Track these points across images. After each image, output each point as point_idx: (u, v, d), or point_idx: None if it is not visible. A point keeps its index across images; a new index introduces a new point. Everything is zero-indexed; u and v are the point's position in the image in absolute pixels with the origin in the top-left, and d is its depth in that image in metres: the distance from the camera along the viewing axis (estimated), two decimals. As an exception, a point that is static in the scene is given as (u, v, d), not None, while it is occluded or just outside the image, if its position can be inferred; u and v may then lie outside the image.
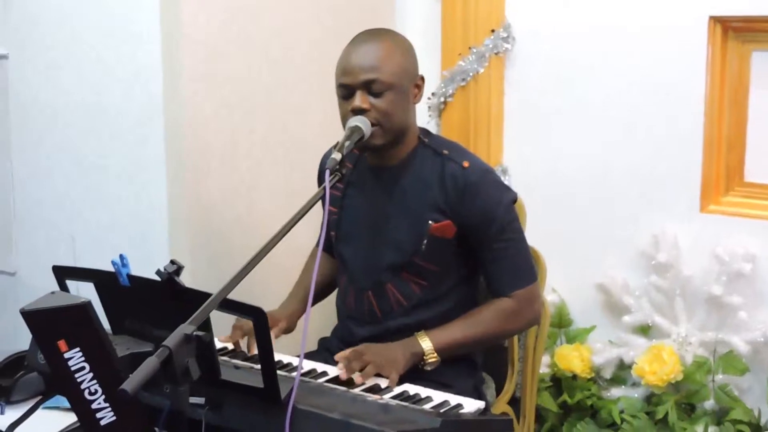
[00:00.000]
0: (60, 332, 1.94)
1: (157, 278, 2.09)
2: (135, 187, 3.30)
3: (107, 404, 1.98)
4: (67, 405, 2.19)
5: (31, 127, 3.60)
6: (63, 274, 2.33)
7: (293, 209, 2.26)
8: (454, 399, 2.31)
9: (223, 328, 2.64)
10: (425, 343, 2.54)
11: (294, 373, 2.12)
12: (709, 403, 3.41)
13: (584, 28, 3.59)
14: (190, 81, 3.11)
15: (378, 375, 2.42)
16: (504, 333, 2.75)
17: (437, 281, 2.68)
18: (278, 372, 2.08)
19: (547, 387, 3.66)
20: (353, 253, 2.75)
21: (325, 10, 3.56)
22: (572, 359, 3.61)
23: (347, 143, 2.45)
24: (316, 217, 2.56)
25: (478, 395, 2.72)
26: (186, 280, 2.13)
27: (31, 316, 1.95)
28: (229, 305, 2.03)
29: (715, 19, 3.34)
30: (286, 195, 3.35)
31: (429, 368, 2.54)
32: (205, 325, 1.96)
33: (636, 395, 3.54)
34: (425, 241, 2.62)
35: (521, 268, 2.65)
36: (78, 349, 1.94)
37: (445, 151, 2.64)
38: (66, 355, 1.95)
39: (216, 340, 2.55)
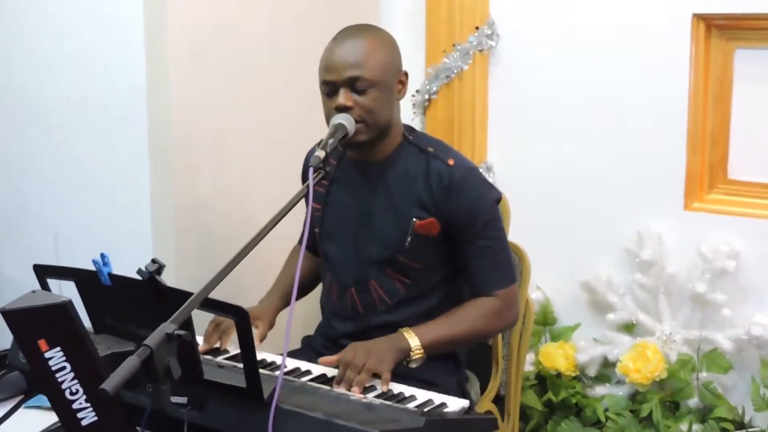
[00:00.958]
0: (40, 331, 1.92)
1: (139, 277, 2.08)
2: (119, 183, 3.28)
3: (88, 404, 1.96)
4: (49, 404, 2.17)
5: (13, 122, 3.59)
6: (44, 272, 2.31)
7: (281, 205, 2.25)
8: (438, 398, 2.30)
9: (204, 327, 2.63)
10: (412, 339, 2.53)
11: (277, 372, 2.11)
12: (694, 401, 3.42)
13: (568, 25, 3.60)
14: (175, 75, 3.09)
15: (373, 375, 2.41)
16: (487, 332, 2.75)
17: (421, 278, 2.67)
18: (261, 371, 2.07)
19: (531, 385, 3.66)
20: (337, 249, 2.75)
21: (311, 5, 3.55)
22: (557, 357, 3.61)
23: (331, 141, 2.43)
24: (303, 212, 2.54)
25: (462, 393, 2.72)
26: (170, 277, 2.13)
27: (10, 315, 1.93)
28: (210, 304, 2.02)
29: (699, 17, 3.35)
30: (275, 190, 3.31)
31: (414, 365, 2.52)
32: (187, 324, 1.95)
33: (620, 393, 3.55)
34: (409, 238, 2.61)
35: (504, 267, 2.65)
36: (58, 348, 1.92)
37: (430, 149, 2.63)
38: (46, 355, 1.93)
39: (200, 337, 2.55)
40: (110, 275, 2.18)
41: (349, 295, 2.72)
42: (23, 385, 2.65)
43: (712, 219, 3.43)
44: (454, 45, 3.75)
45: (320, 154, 2.38)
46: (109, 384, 1.65)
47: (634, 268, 3.54)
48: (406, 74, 2.66)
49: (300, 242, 3.01)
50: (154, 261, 2.08)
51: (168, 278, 2.13)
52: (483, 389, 2.99)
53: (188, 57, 3.12)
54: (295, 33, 3.49)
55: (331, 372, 2.43)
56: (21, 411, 2.54)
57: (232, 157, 3.31)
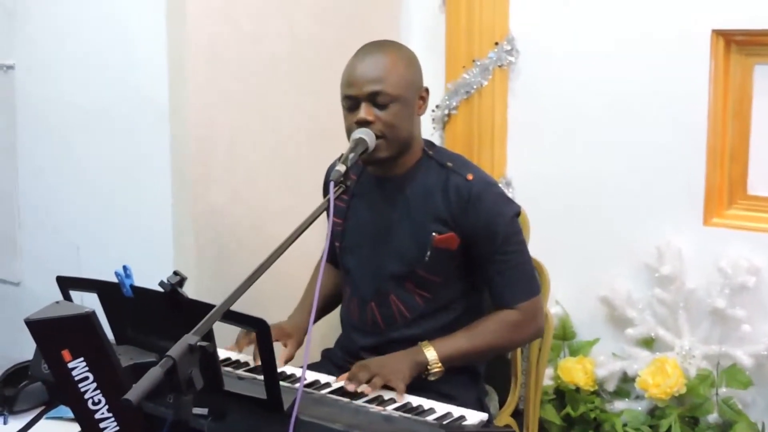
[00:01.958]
0: (63, 342, 1.94)
1: (161, 289, 2.10)
2: (140, 195, 3.31)
3: (110, 414, 1.98)
4: (71, 415, 2.19)
5: (36, 136, 3.62)
6: (67, 284, 2.34)
7: (301, 218, 2.26)
8: (457, 411, 2.30)
9: (225, 339, 2.65)
10: (430, 352, 2.54)
11: (297, 385, 2.12)
12: (713, 417, 3.40)
13: (588, 41, 3.60)
14: (195, 90, 3.12)
15: (384, 386, 2.42)
16: (508, 345, 2.75)
17: (440, 292, 2.68)
18: (281, 383, 2.09)
19: (550, 399, 3.66)
20: (357, 263, 2.76)
21: (330, 22, 3.57)
22: (576, 372, 3.61)
23: (351, 155, 2.45)
24: (324, 226, 2.56)
25: (481, 407, 2.72)
26: (191, 289, 2.14)
27: (34, 326, 1.95)
28: (232, 316, 2.04)
29: (718, 33, 3.35)
30: (293, 203, 3.35)
31: (432, 378, 2.54)
32: (208, 336, 1.97)
33: (639, 408, 3.54)
34: (429, 253, 2.62)
35: (525, 280, 2.65)
36: (81, 358, 1.94)
37: (449, 164, 2.64)
38: (69, 365, 1.95)
39: (222, 349, 2.56)
40: (132, 287, 2.20)
41: (370, 309, 2.73)
42: (45, 396, 2.67)
43: (732, 234, 3.42)
44: (473, 60, 3.76)
45: (341, 168, 2.39)
46: (133, 394, 1.66)
47: (653, 283, 3.53)
48: (426, 90, 2.67)
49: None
50: (176, 273, 2.10)
51: (188, 290, 2.14)
52: (502, 403, 2.99)
53: (208, 74, 3.15)
54: (313, 49, 3.51)
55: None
56: (42, 422, 2.56)
57: (251, 170, 3.33)
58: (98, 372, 1.95)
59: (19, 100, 3.65)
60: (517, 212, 2.66)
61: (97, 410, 1.98)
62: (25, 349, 2.34)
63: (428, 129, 3.83)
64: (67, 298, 2.33)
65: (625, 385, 3.61)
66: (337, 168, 2.39)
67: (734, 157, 3.43)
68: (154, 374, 1.71)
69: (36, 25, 3.55)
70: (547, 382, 3.62)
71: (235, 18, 3.22)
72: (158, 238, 3.24)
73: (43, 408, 2.64)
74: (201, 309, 1.97)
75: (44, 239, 3.65)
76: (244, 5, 3.25)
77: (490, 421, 2.39)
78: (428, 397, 2.40)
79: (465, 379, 2.72)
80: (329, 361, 2.82)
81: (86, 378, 1.96)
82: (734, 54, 3.38)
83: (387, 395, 2.38)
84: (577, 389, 3.62)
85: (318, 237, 2.57)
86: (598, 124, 3.62)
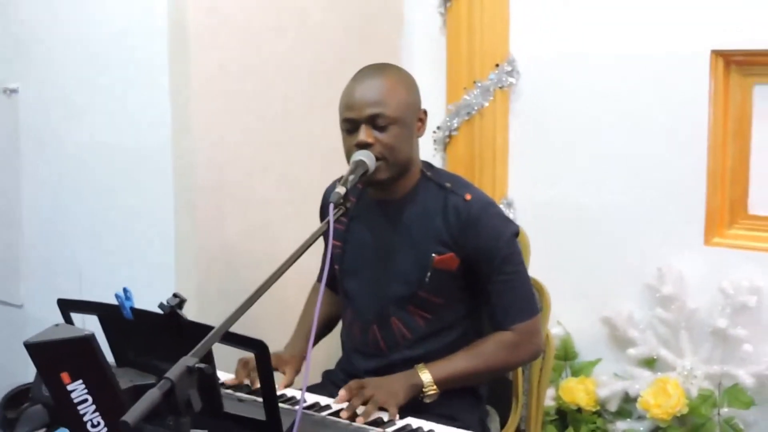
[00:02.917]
0: (63, 364, 1.94)
1: (160, 311, 2.10)
2: (143, 222, 3.31)
3: (110, 436, 1.99)
4: (71, 438, 2.19)
5: (40, 161, 3.63)
6: (67, 306, 2.35)
7: (303, 239, 2.26)
8: (457, 432, 2.31)
9: (225, 361, 2.65)
10: (425, 375, 2.54)
11: (297, 407, 2.12)
12: (715, 437, 3.40)
13: (588, 62, 3.62)
14: (199, 121, 3.13)
15: (380, 408, 2.43)
16: (505, 366, 2.75)
17: (442, 314, 2.68)
18: (281, 405, 2.09)
19: (552, 420, 3.66)
20: (358, 286, 2.76)
21: (330, 47, 3.59)
22: (577, 392, 3.61)
23: (351, 177, 2.45)
24: (321, 249, 2.56)
25: (483, 428, 2.72)
26: (192, 311, 2.15)
27: (34, 349, 1.96)
28: (231, 338, 2.04)
29: (717, 53, 3.36)
30: (297, 232, 3.33)
31: (428, 401, 2.54)
32: (208, 358, 1.97)
33: (641, 428, 3.53)
34: (429, 274, 2.63)
35: (523, 301, 2.66)
36: (81, 381, 1.95)
37: (448, 184, 2.65)
38: (69, 387, 1.95)
39: (221, 372, 2.56)
40: (132, 309, 2.21)
41: (372, 331, 2.73)
42: (46, 419, 2.67)
43: (733, 254, 3.42)
44: (474, 82, 3.78)
45: (341, 190, 2.39)
46: (131, 416, 1.67)
47: (654, 303, 3.54)
48: (425, 112, 2.68)
49: (318, 279, 3.04)
50: (175, 295, 2.11)
51: (189, 312, 2.15)
52: (503, 424, 2.99)
53: (212, 103, 3.17)
54: (315, 76, 3.52)
55: (350, 407, 2.44)
56: (43, 444, 2.56)
57: (256, 199, 3.34)
58: (97, 394, 1.95)
59: (23, 124, 3.67)
60: (515, 232, 2.67)
61: (97, 432, 1.98)
62: (28, 371, 2.34)
63: (429, 150, 3.84)
64: (68, 320, 2.34)
65: (627, 406, 3.61)
66: (337, 190, 2.40)
67: (734, 177, 3.44)
68: (152, 396, 1.71)
69: (40, 49, 3.57)
70: (549, 402, 3.62)
71: (242, 52, 3.24)
72: (161, 267, 3.25)
73: (44, 430, 2.64)
74: (201, 331, 1.97)
75: (47, 262, 3.66)
76: (249, 32, 3.27)
77: (490, 442, 2.40)
78: (429, 419, 2.40)
79: (466, 401, 2.71)
80: (330, 383, 2.82)
81: (85, 400, 1.96)
82: (733, 74, 3.39)
83: (386, 417, 2.38)
84: (579, 409, 3.62)
85: (312, 260, 2.57)
86: (599, 145, 3.63)
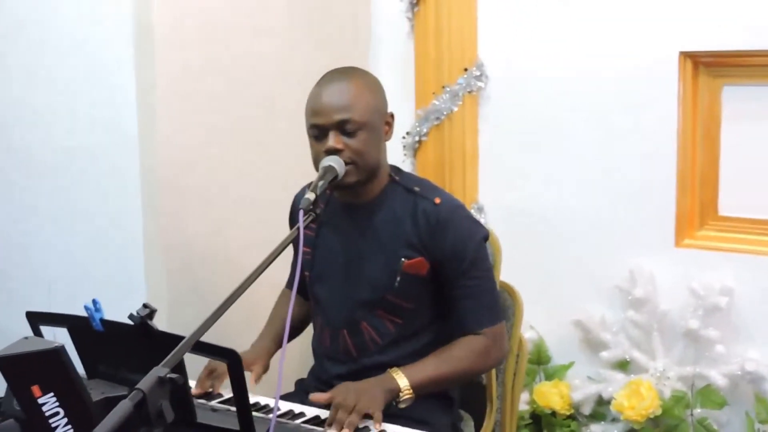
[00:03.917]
0: (33, 377, 1.93)
1: (130, 322, 2.08)
2: (111, 229, 3.29)
3: (82, 449, 1.97)
4: (43, 451, 2.17)
5: (5, 171, 3.60)
6: (37, 319, 2.32)
7: (265, 245, 2.25)
8: (431, 437, 2.30)
9: (198, 371, 2.63)
10: (401, 380, 2.52)
11: (270, 415, 2.11)
12: (689, 438, 3.41)
13: (557, 65, 3.62)
14: (164, 120, 3.11)
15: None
16: (474, 371, 2.73)
17: (412, 318, 2.67)
18: (255, 414, 2.08)
19: (527, 424, 3.66)
20: (328, 292, 2.75)
21: (296, 49, 3.58)
22: (551, 396, 3.61)
23: (321, 183, 2.44)
24: (290, 255, 2.55)
25: (456, 432, 2.72)
26: (162, 320, 2.13)
27: (4, 362, 1.94)
28: (202, 348, 2.03)
29: (686, 55, 3.37)
30: (263, 232, 3.34)
31: (403, 405, 2.52)
32: (180, 368, 1.95)
33: (615, 431, 3.54)
34: (398, 278, 2.62)
35: (491, 305, 2.66)
36: (52, 393, 1.93)
37: (417, 188, 2.65)
38: (40, 401, 1.93)
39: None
40: (102, 321, 2.19)
41: (342, 337, 2.72)
42: (18, 433, 2.65)
43: (704, 255, 3.43)
44: (443, 87, 3.77)
45: (310, 196, 2.38)
46: (102, 429, 1.64)
47: (626, 305, 3.54)
48: (392, 115, 2.68)
49: (288, 285, 3.03)
50: (145, 306, 2.09)
51: (161, 323, 2.13)
52: (477, 428, 2.98)
53: (177, 104, 3.14)
54: (281, 78, 3.51)
55: (324, 413, 2.43)
56: (15, 459, 2.53)
57: (220, 200, 3.32)
58: (69, 407, 1.93)
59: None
60: (485, 236, 2.67)
61: (69, 446, 1.96)
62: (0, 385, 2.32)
63: (399, 156, 3.83)
64: (38, 333, 2.31)
65: (601, 408, 3.61)
66: (307, 196, 2.38)
67: (704, 178, 3.45)
68: (123, 408, 1.69)
69: (6, 64, 3.54)
70: (523, 406, 3.62)
71: (206, 49, 3.22)
72: (130, 270, 3.22)
73: (15, 445, 2.62)
74: (172, 341, 1.95)
75: (15, 275, 3.62)
76: (215, 33, 3.25)
77: (465, 447, 2.39)
78: (403, 424, 2.40)
79: (440, 405, 2.71)
80: (303, 391, 2.81)
81: (57, 413, 1.94)
82: (702, 75, 3.40)
83: (361, 423, 2.37)
84: (553, 413, 3.62)
85: (282, 266, 2.56)
86: (569, 148, 3.63)
